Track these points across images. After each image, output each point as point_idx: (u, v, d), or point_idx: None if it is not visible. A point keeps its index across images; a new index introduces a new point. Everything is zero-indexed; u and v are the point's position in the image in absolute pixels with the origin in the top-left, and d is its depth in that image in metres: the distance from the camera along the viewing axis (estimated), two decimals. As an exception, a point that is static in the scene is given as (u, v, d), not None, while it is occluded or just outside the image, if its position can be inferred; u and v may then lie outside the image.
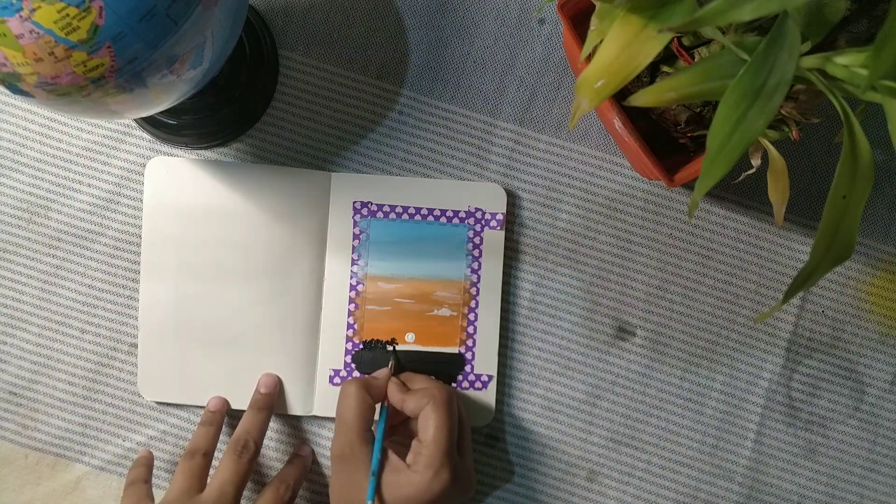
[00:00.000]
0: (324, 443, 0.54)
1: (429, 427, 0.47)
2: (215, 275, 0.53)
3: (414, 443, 0.48)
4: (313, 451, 0.55)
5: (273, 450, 0.55)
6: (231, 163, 0.55)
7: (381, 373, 0.52)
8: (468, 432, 0.52)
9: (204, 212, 0.54)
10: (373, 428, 0.49)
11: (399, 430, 0.52)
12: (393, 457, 0.48)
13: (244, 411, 0.52)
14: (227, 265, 0.54)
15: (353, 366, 0.54)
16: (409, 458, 0.48)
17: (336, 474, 0.49)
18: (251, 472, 0.50)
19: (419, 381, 0.52)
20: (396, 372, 0.53)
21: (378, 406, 0.51)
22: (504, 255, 0.54)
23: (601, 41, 0.34)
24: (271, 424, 0.54)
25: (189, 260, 0.53)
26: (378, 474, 0.47)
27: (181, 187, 0.54)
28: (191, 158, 0.54)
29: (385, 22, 0.55)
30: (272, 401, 0.53)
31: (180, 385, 0.54)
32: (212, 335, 0.54)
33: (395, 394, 0.50)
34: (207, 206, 0.54)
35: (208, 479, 0.50)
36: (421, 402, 0.48)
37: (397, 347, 0.54)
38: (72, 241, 0.55)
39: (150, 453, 0.54)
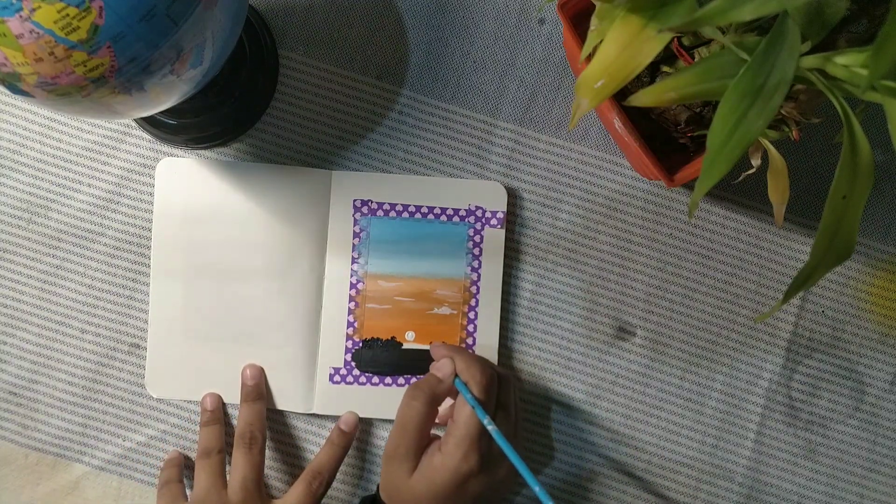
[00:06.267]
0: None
1: (464, 408, 0.46)
2: (219, 273, 0.54)
3: (448, 423, 0.47)
4: (353, 432, 0.53)
5: (272, 449, 0.55)
6: (233, 162, 0.55)
7: (445, 369, 0.49)
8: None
9: (208, 211, 0.54)
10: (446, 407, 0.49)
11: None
12: (434, 442, 0.47)
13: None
14: (229, 263, 0.54)
15: (352, 364, 0.54)
16: (442, 438, 0.47)
17: (384, 473, 0.48)
18: (264, 461, 0.52)
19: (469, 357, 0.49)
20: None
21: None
22: (504, 255, 0.54)
23: (601, 41, 0.34)
24: (269, 424, 0.54)
25: (196, 259, 0.54)
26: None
27: (188, 188, 0.54)
28: (197, 159, 0.54)
29: (385, 22, 0.55)
30: (262, 389, 0.53)
31: (186, 382, 0.54)
32: (216, 333, 0.54)
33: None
34: (212, 206, 0.54)
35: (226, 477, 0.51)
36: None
37: (403, 346, 0.54)
38: (72, 241, 0.55)
39: (180, 454, 0.54)
